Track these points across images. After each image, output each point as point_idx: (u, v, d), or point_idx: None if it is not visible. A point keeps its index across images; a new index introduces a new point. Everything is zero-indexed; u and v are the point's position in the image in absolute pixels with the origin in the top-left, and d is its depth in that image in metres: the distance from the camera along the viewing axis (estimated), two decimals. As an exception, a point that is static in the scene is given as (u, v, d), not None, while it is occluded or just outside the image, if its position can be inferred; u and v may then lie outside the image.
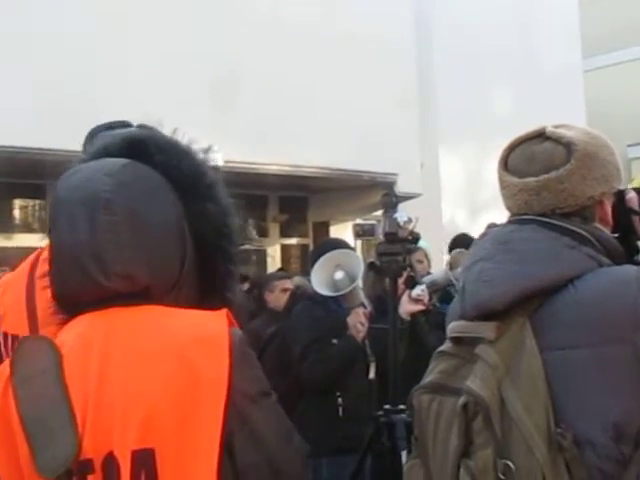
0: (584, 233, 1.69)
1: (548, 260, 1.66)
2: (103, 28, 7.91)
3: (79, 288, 1.34)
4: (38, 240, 9.19)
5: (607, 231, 1.77)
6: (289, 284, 5.84)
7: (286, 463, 1.33)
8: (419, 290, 4.12)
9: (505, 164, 1.89)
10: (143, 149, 1.42)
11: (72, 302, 1.36)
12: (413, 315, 4.16)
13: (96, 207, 1.32)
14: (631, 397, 1.55)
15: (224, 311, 1.35)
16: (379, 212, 10.36)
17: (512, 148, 1.91)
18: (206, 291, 1.44)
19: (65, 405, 1.25)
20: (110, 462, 1.24)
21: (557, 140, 1.78)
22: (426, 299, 4.21)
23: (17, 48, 7.38)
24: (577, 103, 14.11)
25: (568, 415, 1.56)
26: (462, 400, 1.60)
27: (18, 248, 9.21)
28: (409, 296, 4.08)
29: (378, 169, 9.36)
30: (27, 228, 9.73)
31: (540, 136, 1.84)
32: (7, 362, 1.32)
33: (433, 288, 4.55)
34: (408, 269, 3.44)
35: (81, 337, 1.32)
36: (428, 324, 4.27)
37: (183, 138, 1.48)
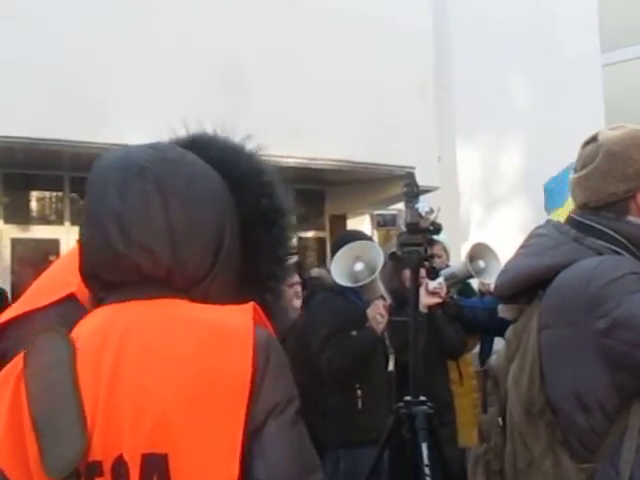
0: (598, 226, 1.86)
1: (545, 252, 1.89)
2: (120, 19, 7.91)
3: (100, 258, 1.27)
4: (55, 232, 9.25)
5: None
6: (296, 278, 5.79)
7: None
8: (436, 283, 4.10)
9: None
10: (198, 143, 1.39)
11: (95, 277, 1.30)
12: (430, 308, 4.15)
13: (129, 174, 1.28)
14: (586, 372, 1.74)
15: (251, 304, 1.25)
16: (396, 205, 10.40)
17: None
18: (245, 291, 1.34)
19: (75, 402, 1.19)
20: (119, 466, 1.18)
21: (595, 140, 1.95)
22: (443, 292, 4.20)
23: (34, 40, 7.39)
24: (596, 96, 14.02)
25: (549, 386, 1.81)
26: (484, 367, 2.02)
27: (35, 240, 9.26)
28: (426, 289, 4.06)
29: (395, 162, 9.31)
30: (44, 220, 9.76)
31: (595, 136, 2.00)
32: (22, 355, 1.27)
33: (452, 281, 4.53)
34: (429, 260, 3.41)
35: (97, 331, 1.25)
36: (445, 316, 4.25)
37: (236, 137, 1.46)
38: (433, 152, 10.43)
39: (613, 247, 1.83)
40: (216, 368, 1.18)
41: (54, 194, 9.76)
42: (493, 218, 12.01)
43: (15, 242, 9.12)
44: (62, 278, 1.74)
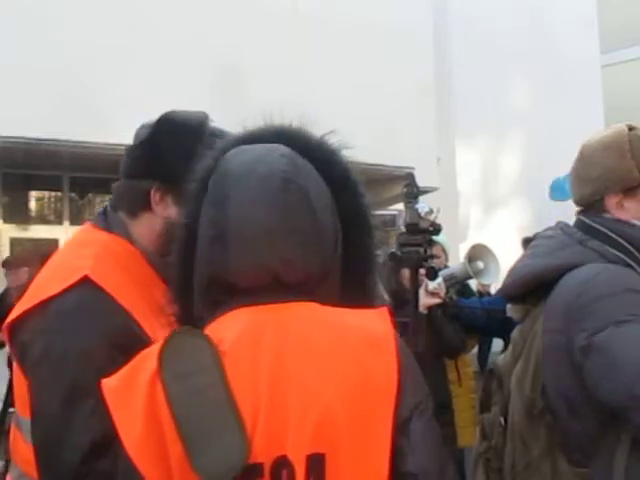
0: (602, 229, 1.87)
1: (551, 254, 1.91)
2: (119, 18, 7.91)
3: (245, 269, 1.27)
4: (53, 232, 9.25)
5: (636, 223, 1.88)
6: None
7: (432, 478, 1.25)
8: (435, 283, 4.10)
9: None
10: (286, 138, 1.39)
11: (229, 287, 1.28)
12: (429, 308, 4.15)
13: (273, 186, 1.28)
14: (574, 381, 1.75)
15: (385, 310, 1.31)
16: (395, 206, 10.38)
17: None
18: (347, 288, 1.37)
19: (230, 407, 1.17)
20: (282, 466, 1.18)
21: None
22: (442, 292, 4.20)
23: (33, 40, 7.39)
24: (595, 98, 14.02)
25: (548, 389, 1.83)
26: (490, 366, 2.05)
27: (33, 239, 9.26)
28: (425, 289, 4.06)
29: (394, 163, 9.31)
30: (43, 220, 9.77)
31: None
32: (151, 355, 1.24)
33: (451, 281, 4.53)
34: (429, 260, 3.41)
35: (245, 334, 1.24)
36: (445, 317, 4.25)
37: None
38: (432, 153, 10.43)
39: (615, 252, 1.83)
40: (368, 370, 1.23)
41: (53, 194, 9.76)
42: (492, 219, 12.01)
43: (14, 242, 9.12)
44: (71, 264, 1.74)
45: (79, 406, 1.58)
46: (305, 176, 1.32)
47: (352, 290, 1.37)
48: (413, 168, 9.66)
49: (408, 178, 3.44)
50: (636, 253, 1.83)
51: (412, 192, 3.34)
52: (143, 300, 1.73)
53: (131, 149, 1.85)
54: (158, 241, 1.81)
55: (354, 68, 9.15)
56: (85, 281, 1.67)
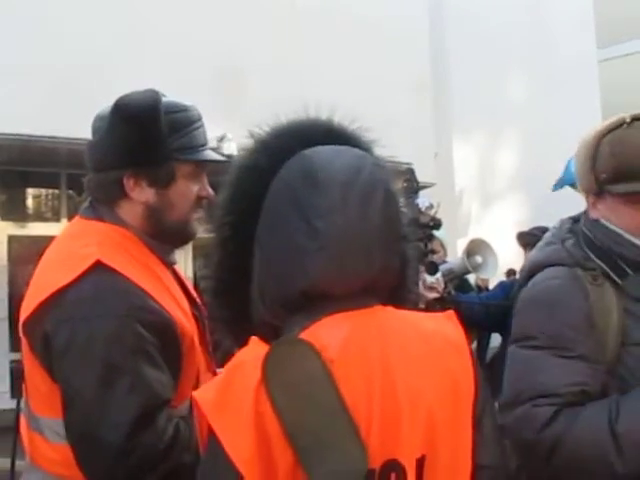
0: (583, 228, 1.87)
1: (540, 249, 1.94)
2: (117, 15, 7.90)
3: (344, 278, 1.24)
4: (51, 229, 9.24)
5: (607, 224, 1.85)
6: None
7: (501, 471, 1.33)
8: (433, 278, 4.10)
9: None
10: (337, 136, 1.37)
11: (321, 294, 1.24)
12: (427, 303, 4.15)
13: (379, 198, 1.26)
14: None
15: (453, 314, 1.34)
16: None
17: None
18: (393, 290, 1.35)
19: (344, 415, 1.15)
20: (391, 470, 1.18)
21: None
22: (440, 287, 4.19)
23: (30, 37, 7.38)
24: (592, 92, 14.03)
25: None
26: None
27: (31, 237, 9.25)
28: (424, 284, 4.06)
29: (391, 159, 9.31)
30: (40, 217, 9.76)
31: None
32: (247, 365, 1.19)
33: (450, 276, 4.52)
34: (429, 255, 3.41)
35: (351, 341, 1.21)
36: (443, 312, 4.25)
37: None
38: (430, 149, 10.43)
39: (588, 252, 1.82)
40: (455, 373, 1.27)
41: (51, 191, 9.75)
42: (490, 214, 12.02)
43: (12, 239, 9.11)
44: (78, 254, 1.75)
45: (115, 386, 1.60)
46: (384, 177, 1.32)
47: (396, 287, 1.35)
48: (411, 163, 9.67)
49: (408, 173, 3.44)
50: (604, 257, 1.81)
51: (412, 187, 3.34)
52: (150, 280, 1.76)
53: (93, 144, 1.88)
54: (144, 224, 1.84)
55: (351, 65, 9.15)
56: (98, 266, 1.69)
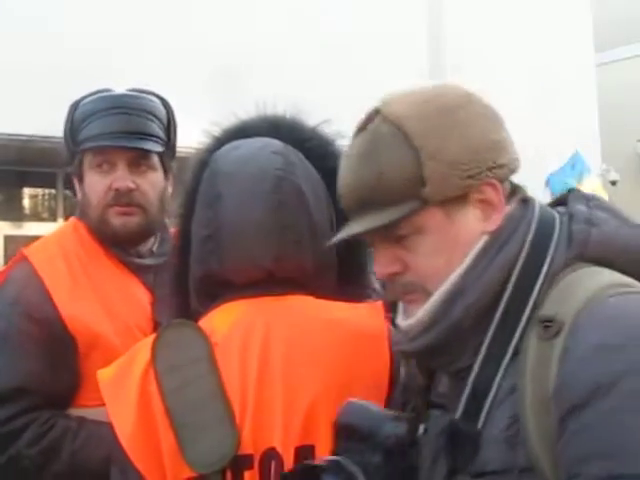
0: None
1: None
2: (116, 15, 7.89)
3: (239, 267, 1.27)
4: (48, 229, 9.23)
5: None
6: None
7: None
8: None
9: None
10: (284, 130, 1.38)
11: (224, 283, 1.29)
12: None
13: (267, 185, 1.27)
14: None
15: (380, 305, 1.31)
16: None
17: None
18: (343, 280, 1.37)
19: (221, 398, 1.18)
20: (271, 458, 1.19)
21: None
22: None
23: (29, 38, 7.36)
24: (589, 96, 14.04)
25: None
26: None
27: (28, 237, 9.23)
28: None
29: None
30: (37, 217, 9.73)
31: None
32: (145, 347, 1.24)
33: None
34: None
35: (237, 327, 1.25)
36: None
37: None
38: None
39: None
40: (358, 366, 1.24)
41: (47, 191, 9.73)
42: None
43: (8, 239, 9.09)
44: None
45: None
46: (298, 172, 1.31)
47: (348, 282, 1.37)
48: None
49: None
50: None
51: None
52: (78, 283, 1.84)
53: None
54: (86, 222, 1.90)
55: (351, 66, 9.15)
56: (24, 261, 1.85)
